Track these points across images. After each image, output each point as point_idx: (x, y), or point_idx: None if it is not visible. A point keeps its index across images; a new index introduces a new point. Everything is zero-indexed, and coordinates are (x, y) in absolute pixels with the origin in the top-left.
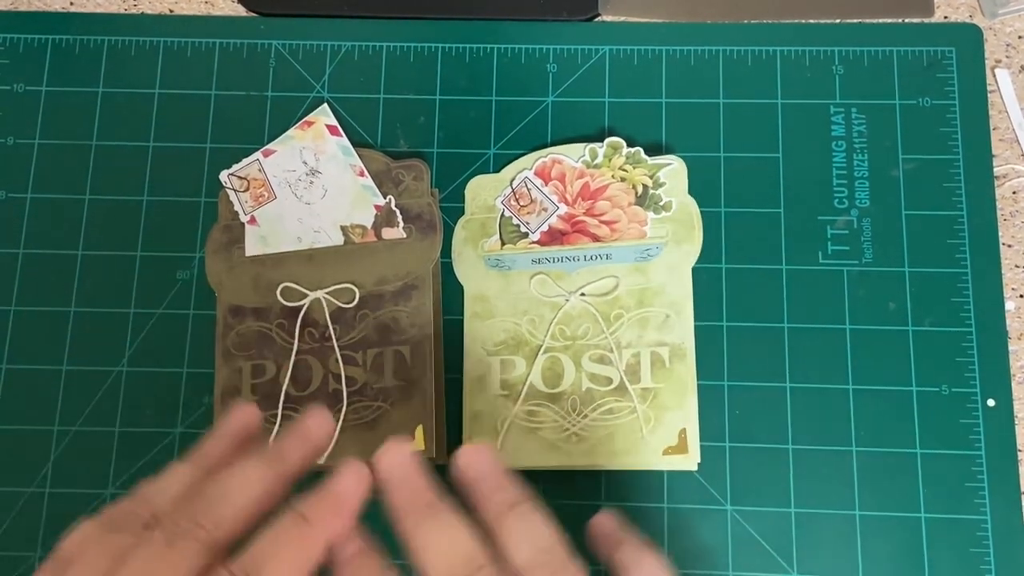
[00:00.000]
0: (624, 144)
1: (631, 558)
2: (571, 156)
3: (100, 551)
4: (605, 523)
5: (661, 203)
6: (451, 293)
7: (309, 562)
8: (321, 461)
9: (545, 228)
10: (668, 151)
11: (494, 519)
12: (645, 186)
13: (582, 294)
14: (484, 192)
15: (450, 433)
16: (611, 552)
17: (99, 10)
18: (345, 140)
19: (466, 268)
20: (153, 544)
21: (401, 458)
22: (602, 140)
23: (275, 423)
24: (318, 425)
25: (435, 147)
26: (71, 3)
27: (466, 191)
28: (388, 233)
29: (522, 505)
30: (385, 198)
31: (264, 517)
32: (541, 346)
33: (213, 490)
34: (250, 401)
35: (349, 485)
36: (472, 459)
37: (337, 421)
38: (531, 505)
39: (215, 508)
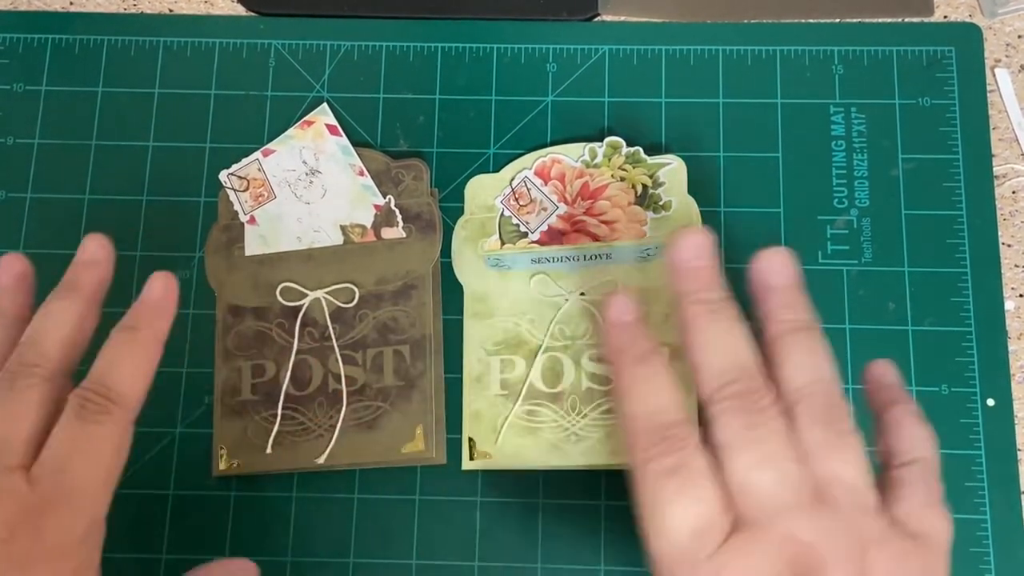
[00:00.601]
0: (624, 144)
1: (904, 419)
2: (570, 156)
3: None
4: (886, 373)
5: (661, 203)
6: (451, 293)
7: (149, 362)
8: (321, 461)
9: (545, 228)
10: (668, 151)
11: (780, 336)
12: (645, 186)
13: (582, 294)
14: (484, 192)
15: (450, 433)
16: (885, 405)
17: (99, 10)
18: (345, 140)
19: (466, 268)
20: None
21: (698, 246)
22: (602, 140)
23: (275, 423)
24: (95, 246)
25: (435, 147)
26: (71, 3)
27: (466, 191)
28: (388, 233)
29: (811, 330)
30: (385, 198)
31: (86, 341)
32: (541, 346)
33: (29, 334)
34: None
35: (159, 290)
36: (773, 265)
37: (337, 421)
38: (820, 332)
39: (36, 346)
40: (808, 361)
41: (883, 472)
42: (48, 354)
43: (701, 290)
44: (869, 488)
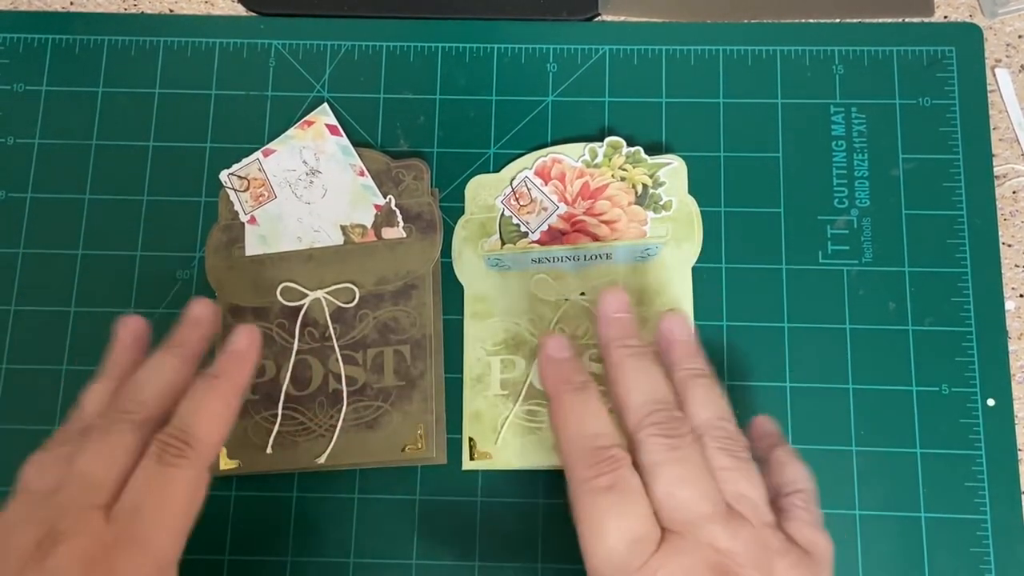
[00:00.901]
0: (624, 143)
1: (786, 459)
2: (571, 156)
3: (52, 461)
4: (767, 425)
5: (661, 202)
6: (451, 293)
7: (228, 409)
8: (321, 461)
9: (545, 228)
10: (668, 151)
11: (682, 380)
12: (645, 185)
13: (582, 294)
14: (484, 192)
15: (450, 433)
16: (769, 449)
17: (99, 10)
18: (345, 140)
19: (466, 268)
20: (92, 438)
21: (619, 301)
22: (602, 140)
23: (275, 423)
24: (203, 309)
25: (435, 147)
26: (71, 3)
27: (466, 191)
28: (388, 233)
29: (707, 377)
30: (385, 198)
31: (181, 394)
32: None
33: (131, 384)
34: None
35: (244, 342)
36: (675, 325)
37: (337, 421)
38: (713, 379)
39: (136, 395)
40: (709, 401)
41: (772, 501)
42: (145, 402)
43: (624, 337)
44: (767, 507)
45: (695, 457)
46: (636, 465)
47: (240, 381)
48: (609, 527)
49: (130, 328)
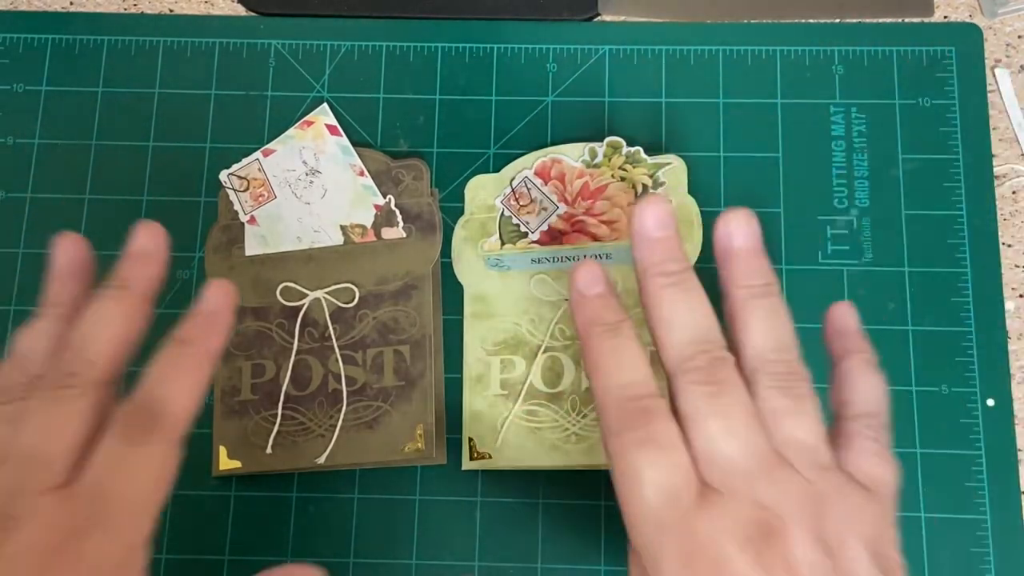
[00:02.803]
0: (624, 143)
1: (859, 371)
2: (571, 156)
3: None
4: (847, 318)
5: None
6: (451, 293)
7: (200, 380)
8: (321, 461)
9: (545, 228)
10: (668, 151)
11: (742, 302)
12: (645, 185)
13: None
14: (484, 192)
15: (450, 433)
16: (842, 353)
17: (99, 10)
18: (345, 140)
19: (466, 268)
20: (38, 406)
21: (660, 216)
22: (602, 140)
23: (275, 423)
24: (149, 237)
25: (435, 147)
26: (71, 3)
27: (465, 191)
28: (388, 233)
29: (773, 296)
30: (385, 198)
31: (135, 343)
32: (541, 346)
33: (76, 337)
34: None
35: (217, 303)
36: (736, 227)
37: (337, 421)
38: (780, 297)
39: (82, 353)
40: (769, 328)
41: (835, 421)
42: (94, 361)
43: (664, 262)
44: (824, 447)
45: (739, 405)
46: (675, 411)
47: (213, 346)
48: (644, 481)
49: (68, 252)
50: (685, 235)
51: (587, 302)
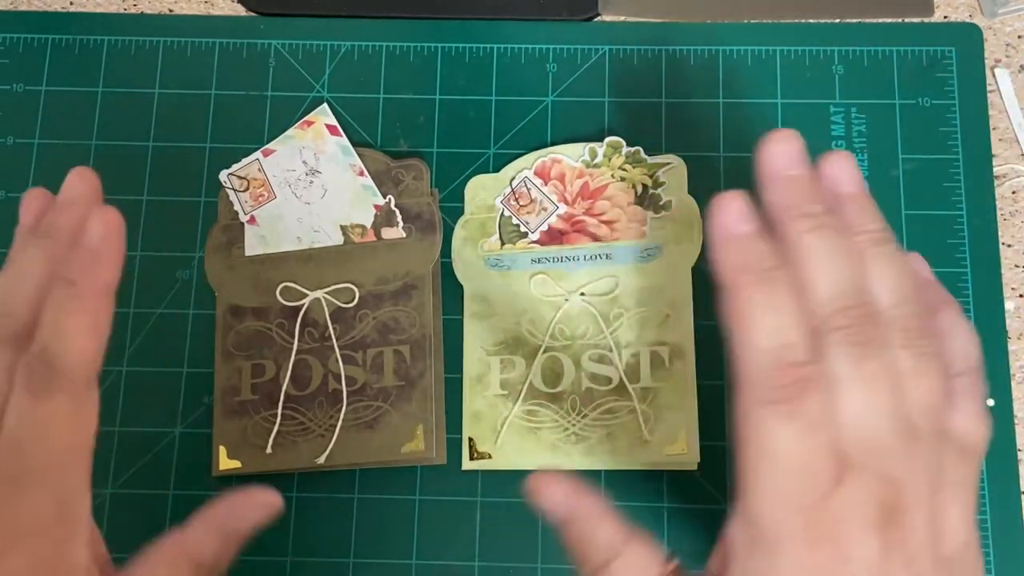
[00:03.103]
0: (624, 143)
1: (952, 325)
2: (570, 156)
3: None
4: (922, 269)
5: (661, 202)
6: (451, 293)
7: (96, 317)
8: (321, 461)
9: (545, 228)
10: (668, 151)
11: (862, 250)
12: (645, 185)
13: (582, 294)
14: (484, 192)
15: (450, 433)
16: (931, 308)
17: (99, 10)
18: (345, 140)
19: (466, 268)
20: None
21: (791, 152)
22: (602, 140)
23: (275, 423)
24: (78, 183)
25: (435, 147)
26: (71, 3)
27: (465, 191)
28: (388, 233)
29: (891, 242)
30: (385, 198)
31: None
32: (541, 346)
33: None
34: (249, 399)
35: (98, 231)
36: (840, 168)
37: (337, 421)
38: (897, 244)
39: (4, 304)
40: (894, 279)
41: None
42: (14, 314)
43: (802, 203)
44: (942, 407)
45: (887, 371)
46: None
47: (103, 280)
48: (787, 460)
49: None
50: (685, 235)
51: (736, 243)
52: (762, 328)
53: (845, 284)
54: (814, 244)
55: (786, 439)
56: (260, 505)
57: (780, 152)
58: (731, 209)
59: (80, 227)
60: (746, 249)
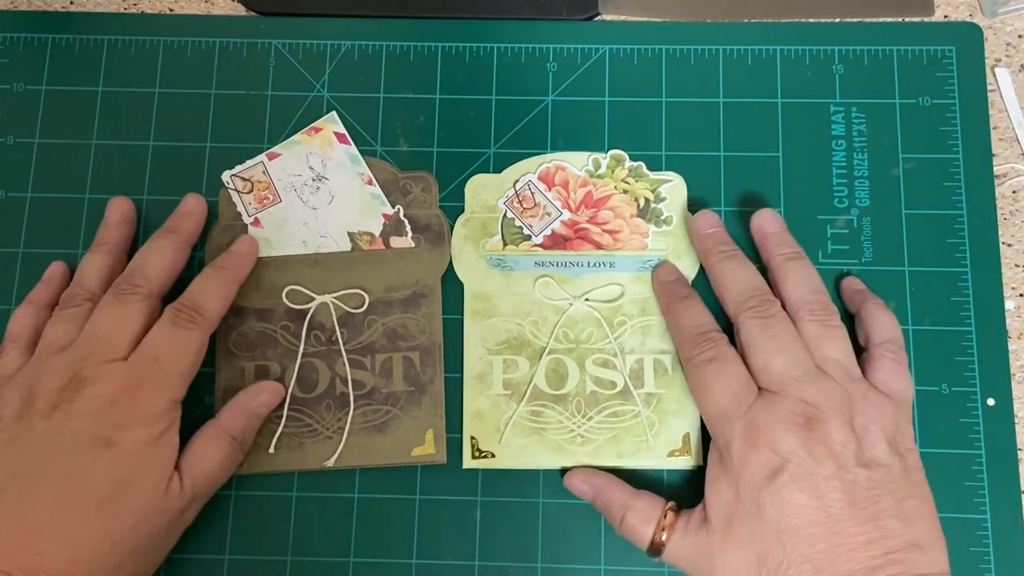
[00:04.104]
0: (627, 157)
1: (874, 311)
2: (574, 164)
3: (68, 319)
4: (853, 283)
5: (662, 217)
6: (449, 291)
7: (230, 293)
8: (330, 464)
9: (548, 232)
10: (668, 150)
11: (778, 265)
12: (647, 199)
13: (587, 299)
14: (484, 191)
15: (449, 432)
16: (861, 304)
17: (99, 10)
18: (353, 148)
19: (466, 266)
20: (108, 305)
21: (710, 220)
22: (602, 140)
23: (279, 424)
24: (194, 203)
25: (435, 146)
26: (71, 3)
27: (466, 189)
28: (396, 242)
29: (802, 258)
30: (394, 207)
31: (178, 272)
32: (545, 348)
33: (138, 262)
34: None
35: (246, 247)
36: (764, 220)
37: (345, 424)
38: (806, 260)
39: (143, 272)
40: (803, 279)
41: (864, 352)
42: (150, 278)
43: (719, 244)
44: (853, 363)
45: (786, 331)
46: (737, 345)
47: (240, 275)
48: (715, 387)
49: (118, 208)
50: (685, 250)
51: (665, 285)
52: (683, 318)
53: (749, 284)
54: (726, 266)
55: (710, 374)
56: (268, 391)
57: (702, 221)
58: (704, 220)
59: (189, 231)
60: (670, 285)
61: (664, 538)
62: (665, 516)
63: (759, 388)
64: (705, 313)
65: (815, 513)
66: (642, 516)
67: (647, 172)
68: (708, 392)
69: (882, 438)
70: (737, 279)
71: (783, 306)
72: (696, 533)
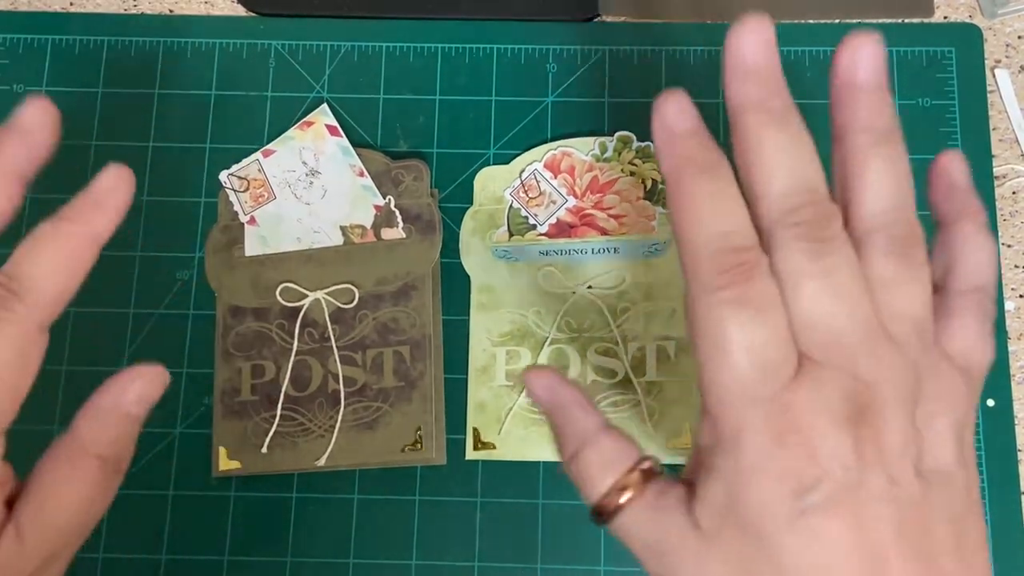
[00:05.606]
0: (634, 138)
1: (970, 237)
2: (580, 149)
3: None
4: (958, 172)
5: None
6: (456, 288)
7: (76, 261)
8: (321, 463)
9: (554, 220)
10: None
11: (860, 150)
12: (655, 180)
13: (589, 287)
14: (493, 183)
15: (455, 424)
16: (953, 216)
17: (99, 10)
18: (345, 140)
19: (473, 259)
20: None
21: (759, 41)
22: (609, 135)
23: (273, 423)
24: (35, 111)
25: (435, 147)
26: (71, 3)
27: (475, 182)
28: (388, 233)
29: (895, 144)
30: (385, 198)
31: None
32: (547, 338)
33: (19, 261)
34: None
35: (108, 182)
36: (862, 57)
37: (336, 421)
38: (900, 145)
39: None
40: (889, 184)
41: (939, 293)
42: (36, 291)
43: (764, 97)
44: (931, 323)
45: (847, 268)
46: (772, 271)
47: (96, 228)
48: (738, 348)
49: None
50: None
51: (678, 139)
52: (705, 216)
53: (802, 179)
54: (770, 137)
55: (735, 327)
56: (141, 377)
57: (747, 42)
58: (672, 106)
59: (25, 163)
60: (688, 144)
61: (622, 501)
62: (632, 471)
63: (798, 351)
64: (741, 210)
65: (852, 549)
66: (604, 459)
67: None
68: (725, 355)
69: (951, 435)
70: (787, 166)
71: (846, 221)
72: (670, 514)
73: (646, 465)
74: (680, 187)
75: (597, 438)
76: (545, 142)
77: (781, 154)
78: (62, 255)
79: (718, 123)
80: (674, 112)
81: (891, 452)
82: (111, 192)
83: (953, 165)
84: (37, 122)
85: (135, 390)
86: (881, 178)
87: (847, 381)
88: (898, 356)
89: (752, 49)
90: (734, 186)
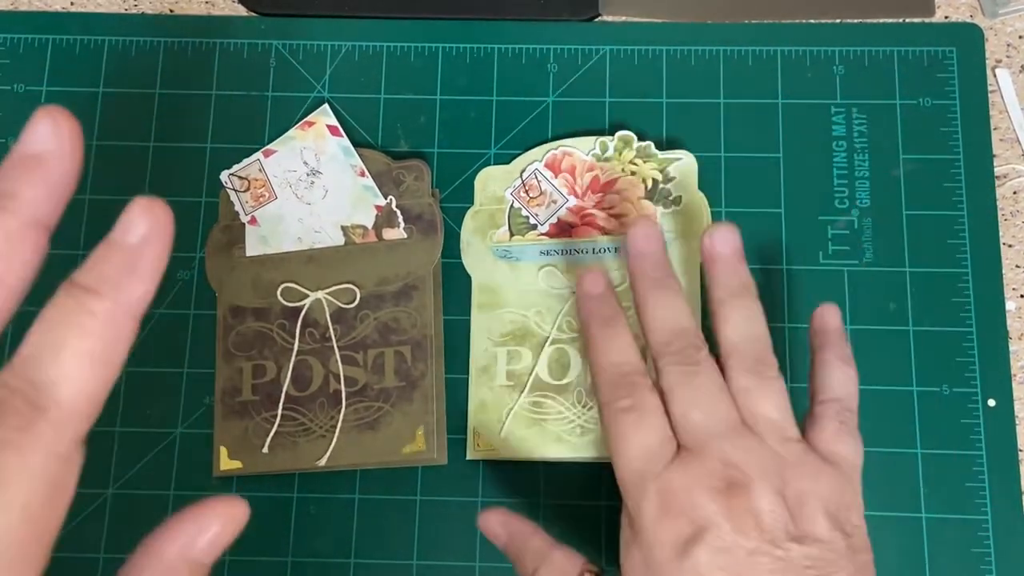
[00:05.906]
0: (635, 138)
1: (829, 363)
2: (581, 149)
3: None
4: (828, 318)
5: (671, 197)
6: (456, 288)
7: (108, 343)
8: (322, 463)
9: (554, 220)
10: (671, 150)
11: (719, 301)
12: (655, 180)
13: None
14: (494, 183)
15: (455, 424)
16: (819, 348)
17: (99, 10)
18: (346, 140)
19: (474, 259)
20: None
21: (648, 235)
22: (610, 135)
23: (274, 423)
24: (48, 134)
25: (435, 147)
26: (71, 3)
27: (475, 182)
28: (389, 233)
29: (748, 295)
30: (386, 198)
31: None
32: (548, 338)
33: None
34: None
35: (139, 227)
36: (719, 237)
37: (338, 421)
38: (755, 295)
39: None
40: (743, 321)
41: (810, 406)
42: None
43: (651, 269)
44: (789, 422)
45: (710, 381)
46: (658, 389)
47: (131, 298)
48: (630, 441)
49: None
50: (695, 230)
51: (590, 300)
52: (605, 351)
53: (676, 323)
54: (655, 296)
55: (625, 426)
56: (219, 517)
57: (639, 235)
58: (589, 279)
59: (46, 202)
60: (595, 304)
61: None
62: (581, 574)
63: (678, 446)
64: (631, 347)
65: None
66: (557, 569)
67: (656, 152)
68: (622, 446)
69: (820, 510)
70: (664, 315)
71: (720, 349)
72: None
73: (591, 569)
74: (589, 332)
75: (550, 554)
76: (546, 142)
77: (662, 308)
78: (91, 344)
79: (718, 123)
80: (589, 281)
81: (763, 517)
82: (147, 245)
83: (827, 314)
84: (54, 148)
85: (208, 538)
86: (737, 318)
87: (716, 464)
88: (759, 445)
89: (643, 239)
90: (626, 330)
